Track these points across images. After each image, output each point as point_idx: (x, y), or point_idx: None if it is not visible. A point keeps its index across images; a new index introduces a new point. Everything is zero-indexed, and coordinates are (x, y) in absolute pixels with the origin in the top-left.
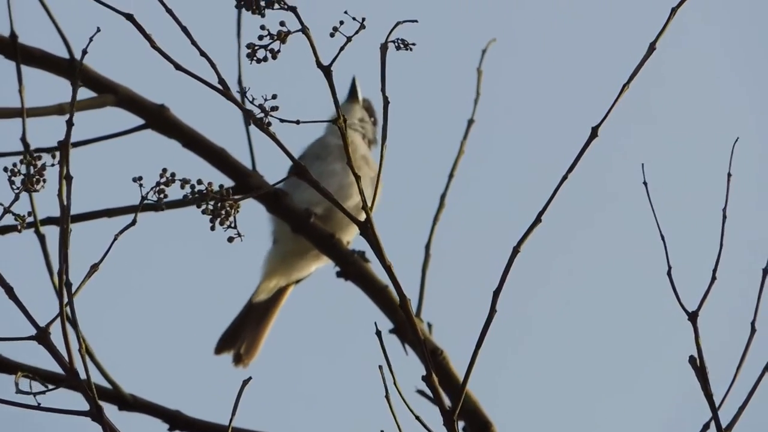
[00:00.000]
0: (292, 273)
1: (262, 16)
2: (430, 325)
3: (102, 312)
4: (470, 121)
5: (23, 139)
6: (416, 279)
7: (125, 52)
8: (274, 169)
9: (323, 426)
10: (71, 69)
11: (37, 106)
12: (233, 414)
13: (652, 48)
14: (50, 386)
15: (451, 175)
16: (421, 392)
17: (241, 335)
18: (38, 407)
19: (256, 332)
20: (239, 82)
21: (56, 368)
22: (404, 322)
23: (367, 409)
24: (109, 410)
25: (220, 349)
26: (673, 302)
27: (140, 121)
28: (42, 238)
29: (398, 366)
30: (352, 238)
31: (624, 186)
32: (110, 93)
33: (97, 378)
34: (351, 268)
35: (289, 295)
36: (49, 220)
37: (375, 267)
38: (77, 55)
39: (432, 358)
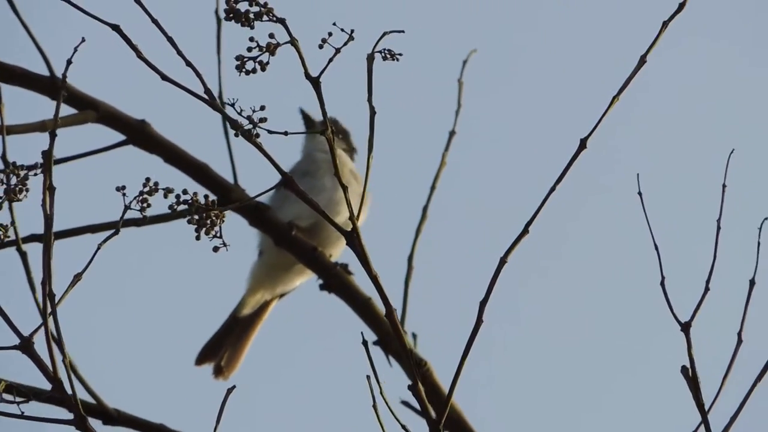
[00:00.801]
0: (276, 286)
1: (252, 27)
2: (414, 336)
3: (85, 325)
4: (452, 133)
5: (3, 157)
6: (399, 291)
7: (104, 67)
8: (255, 182)
9: None
10: (53, 86)
11: (18, 123)
12: (217, 423)
13: (642, 61)
14: (34, 399)
15: (433, 187)
16: (405, 403)
17: (223, 347)
18: (22, 416)
19: (238, 345)
20: (220, 95)
21: (39, 379)
22: (388, 334)
23: (352, 421)
24: (94, 425)
25: (201, 360)
26: (666, 313)
27: (121, 137)
28: (24, 255)
29: (382, 378)
30: (336, 252)
31: (618, 196)
32: (91, 109)
33: (80, 393)
34: (334, 280)
35: (272, 309)
36: (32, 238)
37: (358, 279)
38: (57, 72)
39: (416, 369)
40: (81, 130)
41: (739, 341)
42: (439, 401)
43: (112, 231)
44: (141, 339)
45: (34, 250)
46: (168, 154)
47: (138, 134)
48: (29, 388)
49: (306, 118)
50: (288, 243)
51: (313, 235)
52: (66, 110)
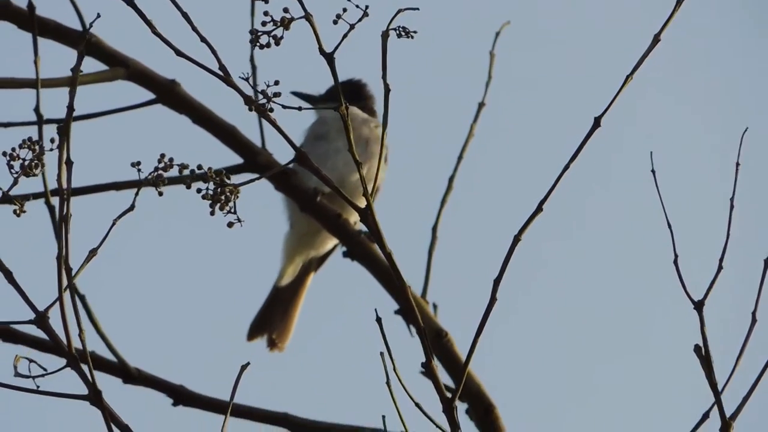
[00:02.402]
0: (310, 251)
1: (266, 2)
2: (435, 306)
3: (110, 289)
4: (480, 104)
5: (37, 110)
6: (423, 260)
7: (138, 29)
8: (283, 147)
9: (326, 407)
10: (84, 40)
11: (49, 77)
12: (231, 399)
13: (656, 39)
14: (50, 372)
15: (459, 158)
16: (425, 373)
17: (271, 320)
18: (37, 391)
19: (286, 316)
20: (253, 70)
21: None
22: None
23: (374, 391)
24: (114, 383)
25: (252, 335)
26: (679, 291)
27: (151, 96)
28: (52, 209)
29: (404, 347)
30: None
31: (632, 174)
32: (121, 66)
33: (103, 351)
34: (357, 248)
35: (311, 280)
36: (56, 192)
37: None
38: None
39: (436, 340)
40: (112, 86)
41: (754, 320)
42: (458, 373)
43: (128, 207)
44: (162, 304)
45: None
46: (196, 115)
47: (168, 93)
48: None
49: (304, 97)
50: (313, 209)
51: (336, 201)
52: (96, 66)
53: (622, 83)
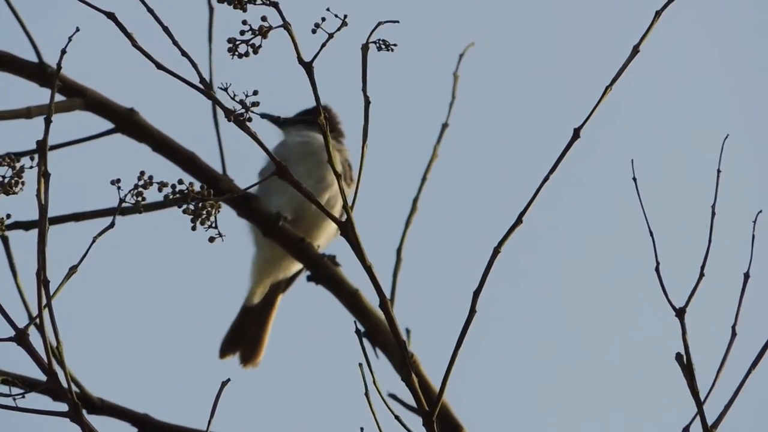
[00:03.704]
0: (278, 274)
1: (244, 10)
2: (408, 332)
3: (69, 314)
4: (444, 125)
5: None
6: (387, 282)
7: (93, 56)
8: (244, 172)
9: (291, 429)
10: (41, 73)
11: (4, 110)
12: (212, 415)
13: (635, 50)
14: (29, 389)
15: (423, 179)
16: (393, 396)
17: (243, 337)
18: (16, 408)
19: (258, 333)
20: (211, 81)
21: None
22: (376, 325)
23: (340, 413)
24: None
25: (224, 353)
26: (660, 298)
27: (110, 125)
28: (5, 240)
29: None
30: (323, 242)
31: (613, 182)
32: (79, 96)
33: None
34: (321, 272)
35: (280, 301)
36: (16, 225)
37: (346, 270)
38: (46, 58)
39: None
40: (70, 117)
41: (734, 334)
42: (426, 393)
43: (106, 223)
44: (123, 329)
45: (25, 239)
46: (156, 143)
47: (126, 122)
48: (24, 378)
49: (272, 119)
50: (276, 234)
51: (300, 225)
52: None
53: (601, 94)
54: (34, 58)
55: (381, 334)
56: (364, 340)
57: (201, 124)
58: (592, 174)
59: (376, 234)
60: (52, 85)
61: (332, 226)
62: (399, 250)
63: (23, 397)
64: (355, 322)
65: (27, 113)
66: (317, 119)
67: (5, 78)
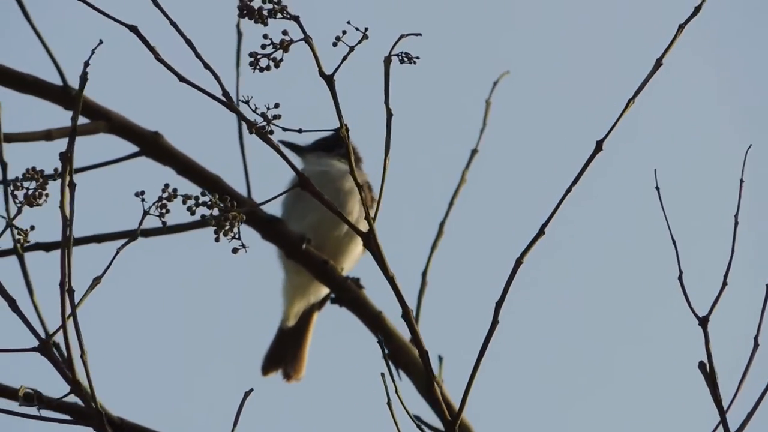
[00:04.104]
0: (308, 297)
1: (265, 25)
2: (441, 358)
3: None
4: (474, 151)
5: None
6: (413, 305)
7: (113, 77)
8: (269, 195)
9: None
10: (65, 96)
11: (24, 132)
12: (235, 424)
13: (658, 64)
14: (56, 401)
15: (451, 203)
16: (417, 418)
17: (284, 354)
18: (40, 417)
19: (297, 349)
20: (237, 94)
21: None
22: (399, 348)
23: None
24: None
25: (266, 370)
26: (683, 307)
27: (134, 149)
28: (22, 259)
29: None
30: (348, 265)
31: (636, 191)
32: (103, 119)
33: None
34: (345, 294)
35: (316, 318)
36: (36, 246)
37: (370, 293)
38: (69, 80)
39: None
40: (94, 140)
41: (756, 345)
42: (445, 416)
43: (132, 237)
44: (141, 346)
45: (45, 257)
46: (181, 166)
47: (151, 146)
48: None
49: (290, 146)
50: (299, 256)
51: (323, 248)
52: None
53: (624, 107)
54: (58, 81)
55: (404, 355)
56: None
57: (226, 147)
58: (614, 184)
59: (401, 257)
60: (76, 106)
61: (356, 250)
62: (424, 274)
63: (45, 407)
64: (377, 334)
65: (48, 135)
66: (339, 132)
67: (28, 101)
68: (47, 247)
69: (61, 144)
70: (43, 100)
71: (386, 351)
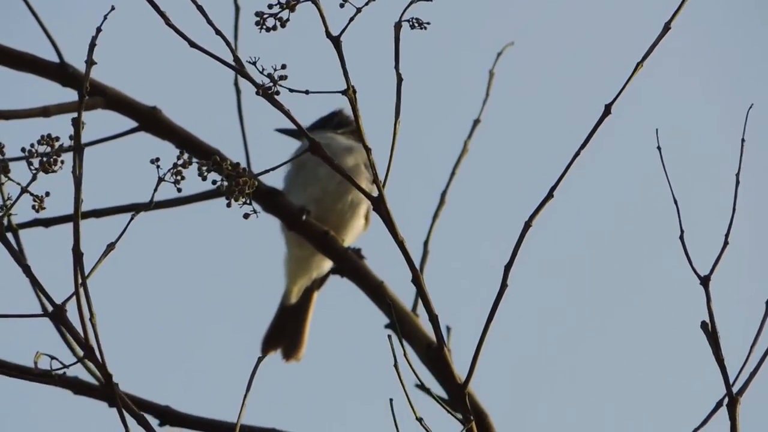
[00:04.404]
0: (311, 273)
1: None
2: (449, 329)
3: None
4: (476, 121)
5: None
6: None
7: (110, 55)
8: (268, 167)
9: (314, 420)
10: (62, 73)
11: (21, 108)
12: (247, 391)
13: (666, 27)
14: (68, 365)
15: (453, 173)
16: (420, 386)
17: (284, 334)
18: (57, 383)
19: (298, 329)
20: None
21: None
22: (400, 318)
23: (366, 403)
24: (100, 407)
25: (266, 349)
26: (685, 267)
27: (133, 124)
28: (15, 233)
29: (393, 362)
30: (348, 237)
31: (637, 151)
32: (98, 95)
33: (84, 374)
34: (346, 264)
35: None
36: (35, 222)
37: (371, 263)
38: (66, 58)
39: (429, 352)
40: (92, 117)
41: None
42: (453, 384)
43: (146, 202)
44: (144, 320)
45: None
46: (180, 140)
47: (149, 121)
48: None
49: (288, 132)
50: (300, 227)
51: (324, 220)
52: (72, 95)
53: (632, 71)
54: (55, 58)
55: (406, 325)
56: (390, 332)
57: (224, 122)
58: (615, 144)
59: (403, 226)
60: (82, 92)
61: (358, 223)
62: (426, 243)
63: (64, 373)
64: (388, 298)
65: (45, 112)
66: (345, 94)
67: (22, 78)
68: (46, 222)
69: (58, 120)
70: (39, 78)
71: (386, 325)
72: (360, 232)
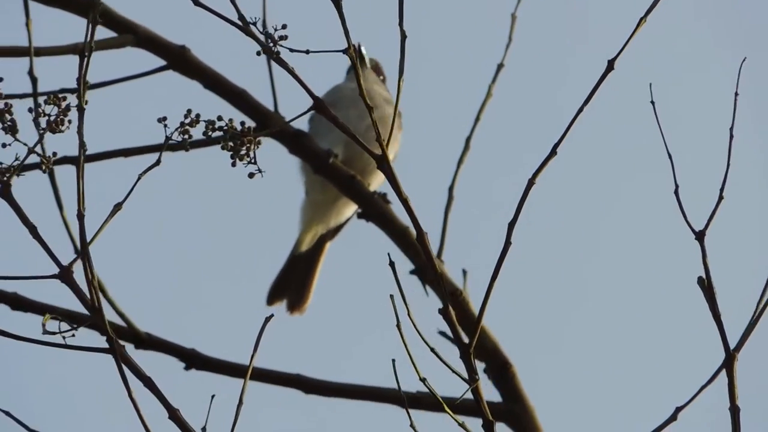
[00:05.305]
0: (328, 220)
1: None
2: (465, 272)
3: (118, 251)
4: (500, 66)
5: (30, 74)
6: (439, 221)
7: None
8: (295, 111)
9: (337, 367)
10: (91, 7)
11: (52, 45)
12: (255, 349)
13: None
14: (77, 327)
15: (477, 118)
16: (442, 333)
17: (290, 285)
18: (64, 345)
19: (305, 281)
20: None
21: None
22: (425, 264)
23: (389, 349)
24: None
25: (272, 299)
26: (680, 222)
27: (161, 62)
28: (52, 174)
29: (419, 307)
30: (375, 182)
31: (631, 105)
32: (130, 33)
33: (111, 316)
34: (372, 209)
35: (328, 249)
36: (64, 160)
37: (396, 209)
38: None
39: (452, 298)
40: (121, 54)
41: None
42: (474, 331)
43: (153, 162)
44: (172, 266)
45: (68, 172)
46: (207, 80)
47: (178, 59)
48: (68, 312)
49: (360, 56)
50: (326, 171)
51: (351, 164)
52: (105, 33)
53: (635, 26)
54: None
55: (431, 271)
56: (415, 277)
57: (253, 65)
58: (608, 98)
59: (428, 172)
60: (93, 19)
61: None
62: (451, 189)
63: (73, 335)
64: (388, 254)
65: (74, 49)
66: (346, 52)
67: (57, 15)
68: (73, 161)
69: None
70: (70, 16)
71: (411, 270)
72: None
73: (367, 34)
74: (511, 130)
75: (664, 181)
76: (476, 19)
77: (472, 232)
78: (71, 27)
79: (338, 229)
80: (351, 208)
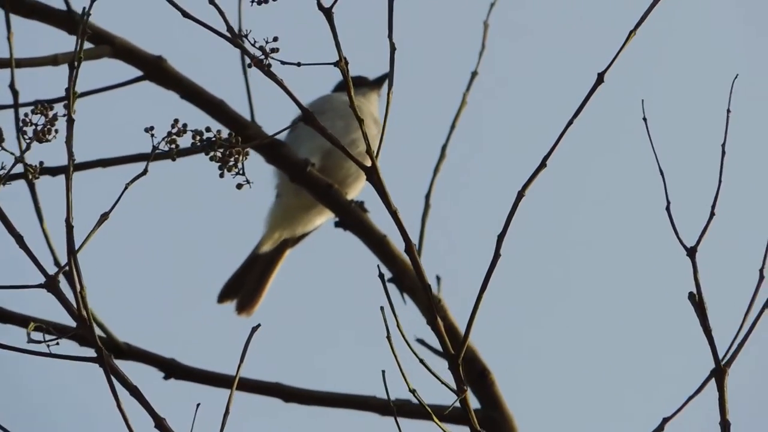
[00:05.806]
0: (296, 226)
1: None
2: (438, 279)
3: (97, 260)
4: (474, 74)
5: (12, 86)
6: (416, 229)
7: (119, 4)
8: (272, 120)
9: (318, 375)
10: (69, 20)
11: (32, 57)
12: (241, 361)
13: None
14: (62, 336)
15: (452, 126)
16: (421, 341)
17: (244, 285)
18: (50, 355)
19: (259, 282)
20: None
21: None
22: (403, 271)
23: (368, 358)
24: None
25: (223, 297)
26: (671, 238)
27: (138, 73)
28: (32, 185)
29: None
30: (352, 191)
31: (623, 122)
32: (107, 44)
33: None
34: (349, 218)
35: (288, 253)
36: (50, 170)
37: (374, 216)
38: (74, 6)
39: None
40: (97, 66)
41: (761, 278)
42: (453, 339)
43: (141, 172)
44: (150, 275)
45: (54, 185)
46: (185, 90)
47: (155, 70)
48: (55, 324)
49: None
50: (303, 180)
51: (330, 174)
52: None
53: (625, 39)
54: (62, 6)
55: (409, 279)
56: (392, 286)
57: (228, 75)
58: (602, 114)
59: (404, 180)
60: (81, 31)
61: (363, 176)
62: (427, 197)
63: (57, 344)
64: (378, 266)
65: (54, 60)
66: (337, 65)
67: (34, 27)
68: (53, 171)
69: (67, 69)
70: (48, 27)
71: (390, 277)
72: (364, 185)
73: (349, 44)
74: (486, 138)
75: (655, 196)
76: (451, 27)
77: (443, 238)
78: (42, 38)
79: (301, 237)
80: (321, 218)
